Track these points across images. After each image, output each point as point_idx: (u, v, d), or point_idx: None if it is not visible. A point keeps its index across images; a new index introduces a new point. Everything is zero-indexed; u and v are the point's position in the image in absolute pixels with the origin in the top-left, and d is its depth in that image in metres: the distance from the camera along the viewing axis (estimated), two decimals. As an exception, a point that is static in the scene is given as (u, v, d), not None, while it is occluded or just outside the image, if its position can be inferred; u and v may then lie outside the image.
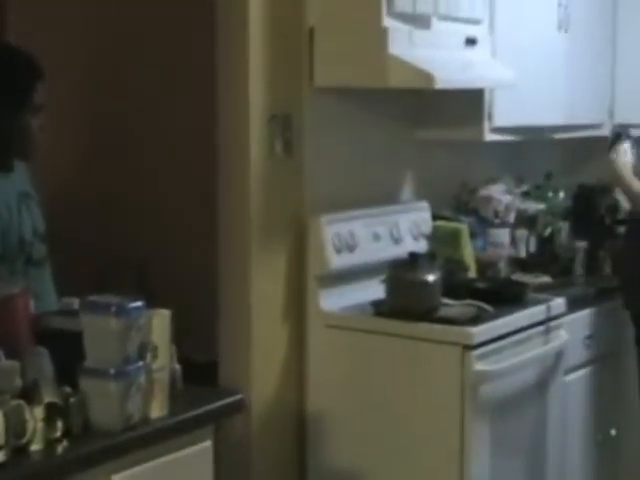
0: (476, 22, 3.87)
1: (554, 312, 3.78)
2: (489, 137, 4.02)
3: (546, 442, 3.77)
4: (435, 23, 3.65)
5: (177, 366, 2.63)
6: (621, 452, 4.34)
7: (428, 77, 3.38)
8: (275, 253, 3.55)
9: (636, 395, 4.21)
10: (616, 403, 4.33)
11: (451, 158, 4.31)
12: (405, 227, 3.88)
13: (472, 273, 3.98)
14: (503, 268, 4.15)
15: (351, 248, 3.64)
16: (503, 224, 4.27)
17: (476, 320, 3.44)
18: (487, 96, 3.98)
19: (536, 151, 4.79)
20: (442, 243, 3.96)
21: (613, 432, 4.27)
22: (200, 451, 2.57)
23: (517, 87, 3.86)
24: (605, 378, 4.24)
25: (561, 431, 3.86)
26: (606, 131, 4.84)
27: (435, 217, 4.06)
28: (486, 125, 4.00)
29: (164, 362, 2.46)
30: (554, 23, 4.35)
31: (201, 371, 2.91)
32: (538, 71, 4.24)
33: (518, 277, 4.11)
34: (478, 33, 3.84)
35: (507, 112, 4.04)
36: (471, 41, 3.77)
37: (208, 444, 2.59)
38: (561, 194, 4.64)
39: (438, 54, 3.59)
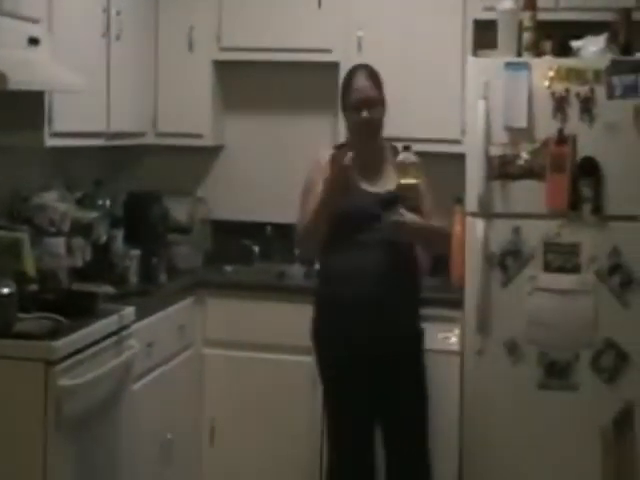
0: (35, 21, 3.70)
1: (125, 322, 3.73)
2: (50, 142, 3.87)
3: (118, 453, 3.71)
4: (-2, 19, 3.44)
5: None
6: (175, 456, 4.39)
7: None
8: None
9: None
10: (174, 409, 4.38)
11: (2, 164, 4.08)
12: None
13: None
14: (63, 278, 4.00)
15: None
16: (59, 233, 4.13)
17: (55, 333, 3.29)
18: (47, 99, 3.82)
19: (84, 158, 4.69)
20: (2, 254, 3.73)
21: (169, 436, 4.31)
22: None
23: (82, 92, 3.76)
24: (166, 383, 4.27)
25: (132, 440, 3.82)
26: (150, 139, 4.91)
27: (-10, 227, 3.83)
28: (46, 130, 3.84)
29: None
30: (103, 30, 4.29)
31: None
32: (90, 76, 4.14)
33: (79, 287, 3.99)
34: (38, 32, 3.67)
35: (67, 117, 3.91)
36: (34, 40, 3.60)
37: None
38: (112, 201, 4.58)
39: (2, 53, 3.38)
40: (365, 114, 3.84)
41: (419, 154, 3.88)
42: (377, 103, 3.87)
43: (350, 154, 3.70)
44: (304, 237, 3.91)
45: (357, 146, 3.91)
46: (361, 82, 3.89)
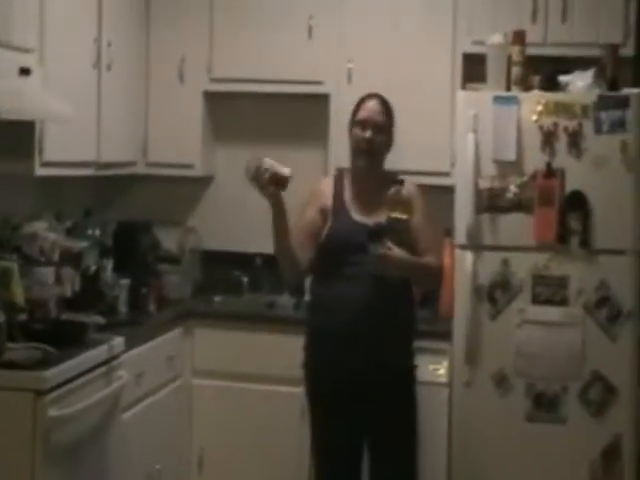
0: (27, 51, 3.72)
1: (114, 352, 3.73)
2: (40, 172, 3.88)
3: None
4: (-10, 49, 3.46)
5: None
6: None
7: (-8, 106, 3.19)
8: None
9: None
10: (162, 439, 4.36)
11: (-7, 193, 4.10)
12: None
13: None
14: (52, 308, 3.99)
15: None
16: (48, 262, 4.12)
17: (44, 363, 3.29)
18: (38, 129, 3.83)
19: (74, 187, 4.70)
20: (-7, 283, 3.73)
21: (158, 466, 4.29)
22: None
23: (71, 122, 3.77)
24: (155, 414, 4.26)
25: (120, 470, 3.81)
26: (140, 169, 4.92)
27: (-18, 255, 3.82)
28: (37, 159, 3.85)
29: None
30: (95, 60, 4.31)
31: None
32: (81, 107, 4.16)
33: (68, 317, 3.97)
34: (30, 62, 3.69)
35: (58, 146, 3.93)
36: (25, 71, 3.62)
37: None
38: (102, 231, 4.58)
39: (-6, 82, 3.40)
40: (369, 134, 3.87)
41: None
42: (382, 128, 3.90)
43: (268, 160, 3.67)
44: (275, 255, 3.94)
45: (356, 170, 3.95)
46: (372, 105, 3.94)
